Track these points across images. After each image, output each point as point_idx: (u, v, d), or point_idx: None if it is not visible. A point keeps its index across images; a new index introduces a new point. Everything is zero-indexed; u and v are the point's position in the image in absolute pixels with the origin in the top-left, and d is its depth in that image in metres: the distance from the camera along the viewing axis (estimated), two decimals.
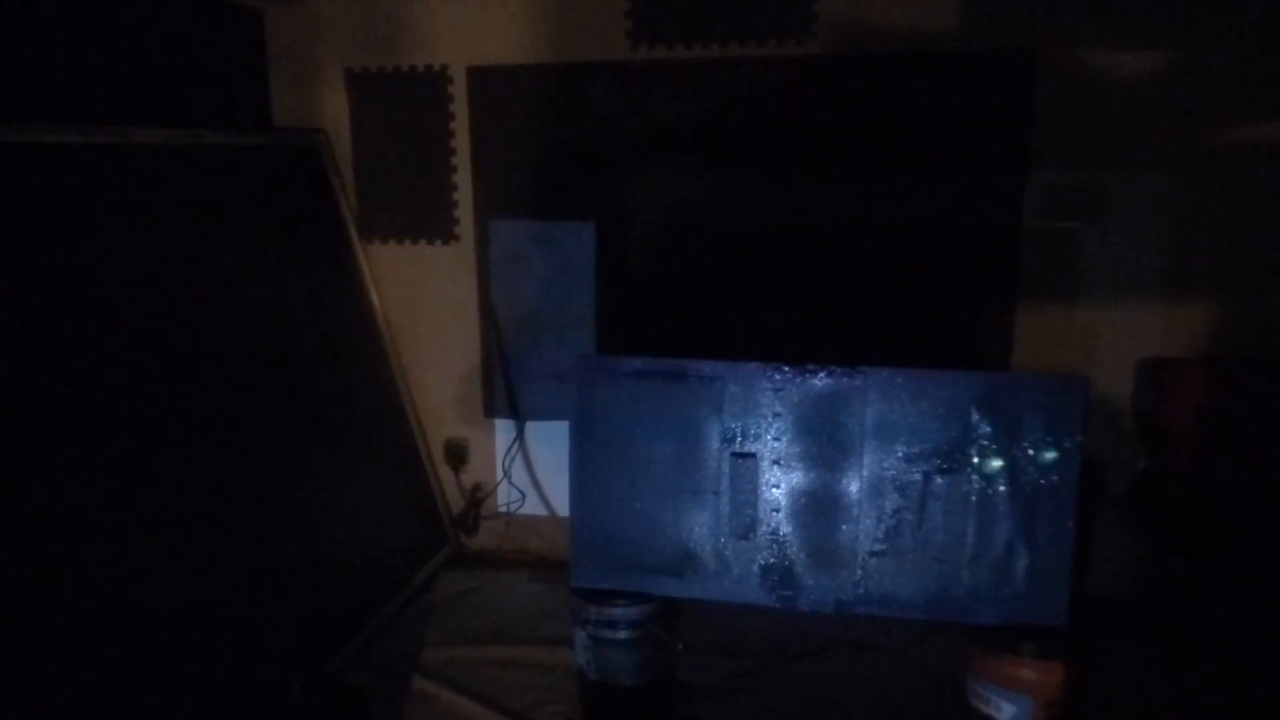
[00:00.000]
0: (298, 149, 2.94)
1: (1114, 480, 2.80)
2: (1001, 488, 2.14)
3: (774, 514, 2.24)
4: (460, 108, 3.00)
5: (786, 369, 2.22)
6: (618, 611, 2.27)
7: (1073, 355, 2.83)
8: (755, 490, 2.24)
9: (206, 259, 2.49)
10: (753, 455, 2.23)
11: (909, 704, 2.45)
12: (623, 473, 2.30)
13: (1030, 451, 2.13)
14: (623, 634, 2.28)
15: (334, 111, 3.06)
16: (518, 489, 3.22)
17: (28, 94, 2.09)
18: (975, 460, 2.15)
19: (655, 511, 2.29)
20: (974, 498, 2.15)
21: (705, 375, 2.25)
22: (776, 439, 2.23)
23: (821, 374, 2.21)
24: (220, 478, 2.35)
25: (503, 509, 3.27)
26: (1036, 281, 2.81)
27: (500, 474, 3.22)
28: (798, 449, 2.23)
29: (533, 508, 3.24)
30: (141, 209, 2.33)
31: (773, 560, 2.25)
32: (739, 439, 2.24)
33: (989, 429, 2.14)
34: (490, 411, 3.21)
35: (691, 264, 3.00)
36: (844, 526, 2.22)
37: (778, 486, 2.23)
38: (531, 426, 3.19)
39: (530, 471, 3.23)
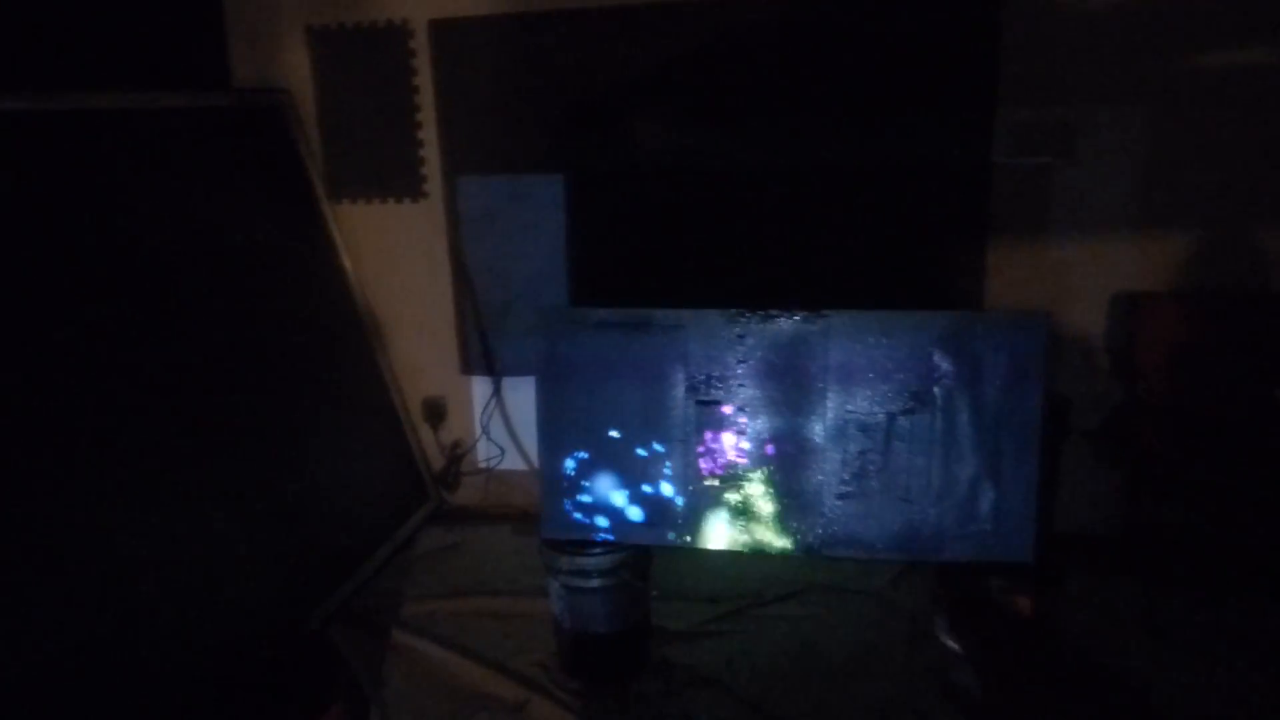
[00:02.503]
0: (260, 109, 2.90)
1: (1090, 417, 2.81)
2: (965, 426, 2.15)
3: (741, 460, 2.25)
4: (423, 62, 2.96)
5: (748, 315, 2.21)
6: (589, 561, 2.29)
7: (1046, 292, 2.81)
8: (721, 437, 2.25)
9: (170, 224, 2.48)
10: (717, 403, 2.24)
11: (883, 643, 2.47)
12: (591, 424, 2.31)
13: (993, 389, 2.13)
14: (595, 583, 2.30)
15: (297, 70, 3.02)
16: (497, 445, 3.24)
17: None
18: (939, 399, 2.15)
19: (624, 462, 2.31)
20: (938, 437, 2.16)
21: (668, 324, 2.25)
22: (741, 385, 2.23)
23: (784, 318, 2.21)
24: (196, 441, 2.36)
25: (483, 465, 3.28)
26: (1007, 219, 2.78)
27: (479, 431, 3.24)
28: (762, 395, 2.23)
29: (512, 463, 3.26)
30: (100, 176, 2.32)
31: (740, 506, 2.26)
32: (704, 387, 2.24)
33: (951, 368, 2.14)
34: (467, 369, 3.21)
35: (662, 214, 2.97)
36: (810, 470, 2.23)
37: (744, 433, 2.24)
38: (509, 382, 3.20)
39: (509, 427, 3.25)
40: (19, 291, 2.02)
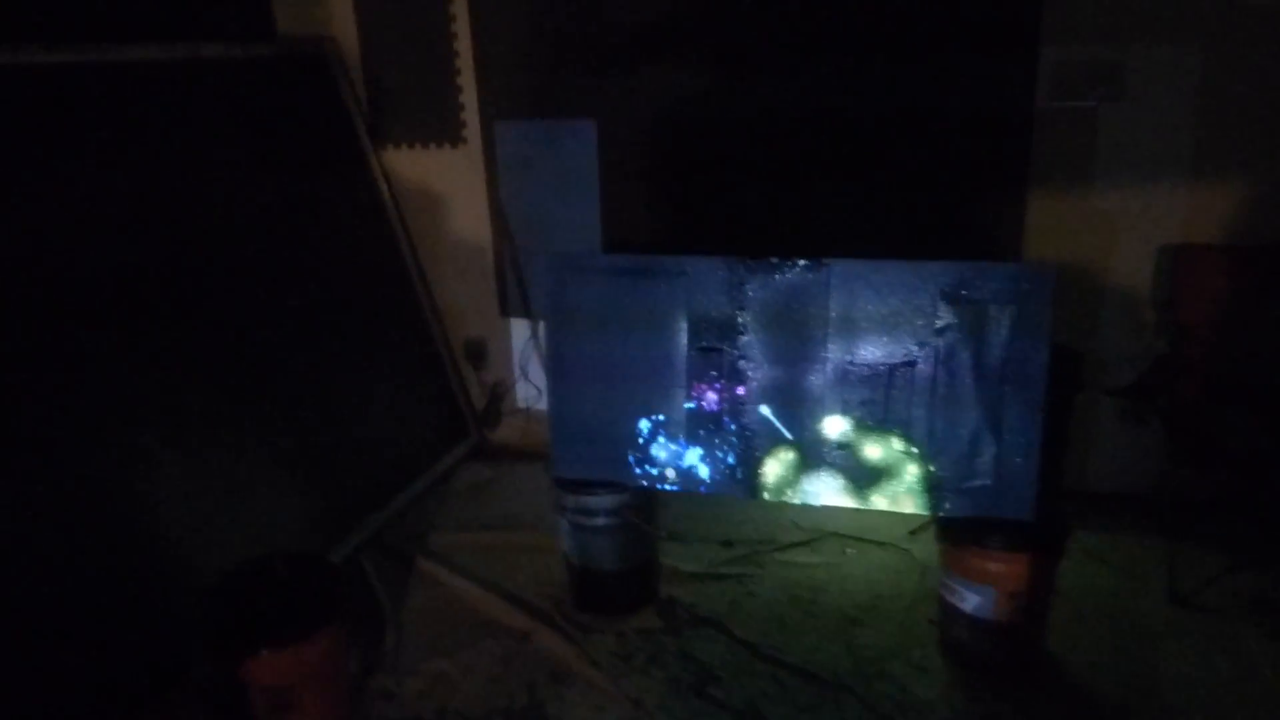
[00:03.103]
0: (305, 58, 3.00)
1: (1127, 374, 2.70)
2: (968, 379, 2.10)
3: (741, 407, 2.27)
4: (461, 8, 3.00)
5: (749, 262, 2.21)
6: (594, 500, 2.36)
7: (1089, 244, 2.70)
8: (722, 384, 2.27)
9: (215, 172, 2.60)
10: (719, 350, 2.25)
11: (889, 593, 2.48)
12: (597, 368, 2.36)
13: (997, 342, 2.07)
14: (600, 521, 2.37)
15: (340, 18, 3.10)
16: (535, 385, 3.33)
17: (13, 14, 2.19)
18: (941, 351, 2.11)
19: (629, 405, 2.35)
20: (940, 389, 2.13)
21: (670, 271, 2.26)
22: (742, 333, 2.24)
23: (785, 267, 2.19)
24: (241, 377, 2.51)
25: (523, 405, 3.38)
26: (1050, 167, 2.66)
27: (517, 372, 3.33)
28: (764, 343, 2.23)
29: None
30: (145, 128, 2.43)
31: (740, 452, 2.28)
32: (705, 333, 2.26)
33: (955, 319, 2.09)
34: (505, 311, 3.30)
35: (696, 158, 2.96)
36: (810, 418, 2.23)
37: (744, 380, 2.25)
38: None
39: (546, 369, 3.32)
40: (69, 238, 2.17)
